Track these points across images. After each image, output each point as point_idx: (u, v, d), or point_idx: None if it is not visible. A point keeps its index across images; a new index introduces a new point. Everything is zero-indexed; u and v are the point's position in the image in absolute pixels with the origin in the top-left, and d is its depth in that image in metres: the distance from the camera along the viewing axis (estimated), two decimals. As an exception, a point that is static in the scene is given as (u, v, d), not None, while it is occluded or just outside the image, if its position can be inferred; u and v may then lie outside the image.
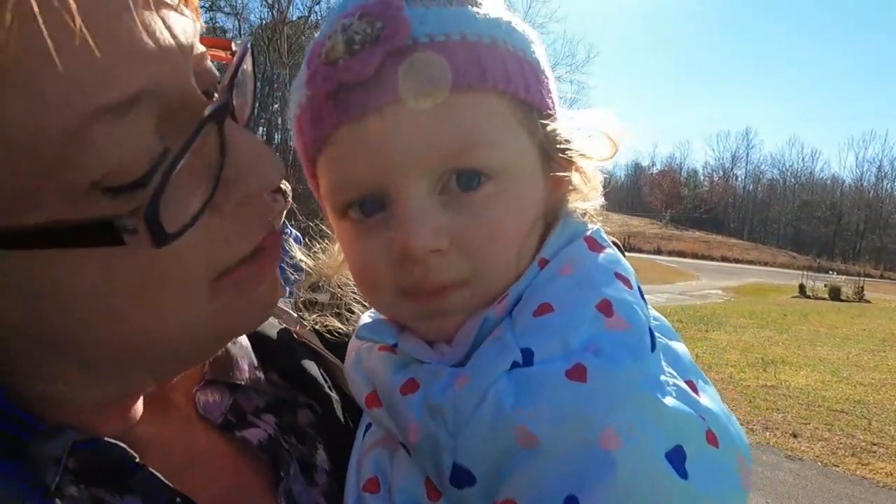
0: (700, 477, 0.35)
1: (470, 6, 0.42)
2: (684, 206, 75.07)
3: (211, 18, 31.84)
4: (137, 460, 0.37)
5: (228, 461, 0.46)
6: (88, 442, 0.36)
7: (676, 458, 0.34)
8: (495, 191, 0.41)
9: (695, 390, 0.40)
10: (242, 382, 0.49)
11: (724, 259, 48.00)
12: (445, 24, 0.40)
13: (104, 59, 0.28)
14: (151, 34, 0.30)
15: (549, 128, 0.45)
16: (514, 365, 0.38)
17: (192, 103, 0.33)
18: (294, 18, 30.33)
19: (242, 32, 32.95)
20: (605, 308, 0.40)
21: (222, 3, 29.99)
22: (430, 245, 0.40)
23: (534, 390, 0.36)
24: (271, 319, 0.58)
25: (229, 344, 0.48)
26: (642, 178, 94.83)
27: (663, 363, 0.40)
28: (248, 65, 0.40)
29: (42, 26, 0.25)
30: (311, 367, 0.56)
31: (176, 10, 0.32)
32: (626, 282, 0.43)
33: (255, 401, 0.50)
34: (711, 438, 0.37)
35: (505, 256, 0.42)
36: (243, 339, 0.52)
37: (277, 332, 0.57)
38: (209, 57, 0.38)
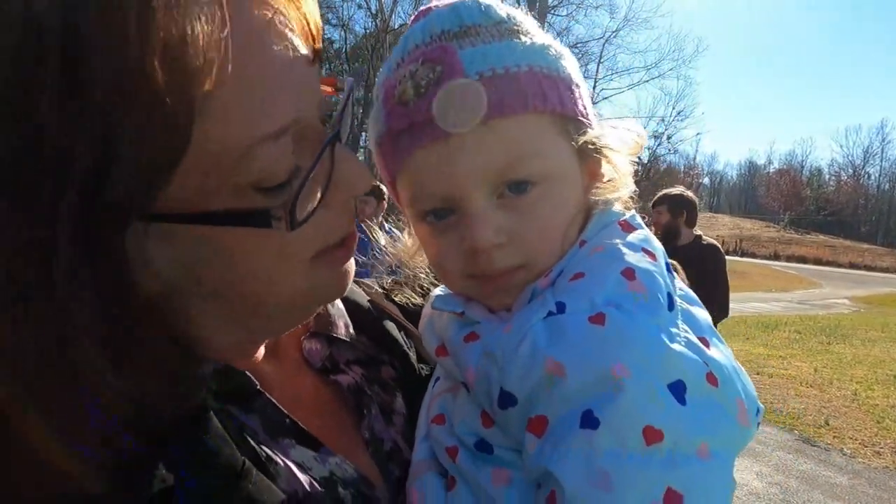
0: (697, 405, 0.44)
1: (511, 38, 0.52)
2: (805, 208, 69.19)
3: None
4: (258, 387, 0.50)
5: (325, 398, 0.58)
6: (223, 369, 0.48)
7: (677, 389, 0.44)
8: (541, 193, 0.52)
9: (706, 345, 0.49)
10: (341, 336, 0.62)
11: (852, 266, 43.63)
12: (491, 60, 0.50)
13: (269, 96, 0.40)
14: (298, 74, 0.42)
15: (582, 131, 0.54)
16: (549, 314, 0.48)
17: (317, 130, 0.46)
18: (396, 27, 31.26)
19: (348, 42, 34.42)
20: (629, 274, 0.48)
21: (330, 16, 31.37)
22: (492, 241, 0.51)
23: (562, 331, 0.46)
24: (361, 291, 0.72)
25: (329, 306, 0.61)
26: (757, 177, 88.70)
27: (679, 321, 0.49)
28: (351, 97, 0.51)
29: (230, 71, 0.36)
30: (392, 329, 0.69)
31: (313, 51, 0.44)
32: (652, 255, 0.52)
33: (346, 354, 0.63)
34: (711, 379, 0.45)
35: (551, 244, 0.53)
36: (339, 304, 0.64)
37: (368, 301, 0.70)
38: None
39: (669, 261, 0.57)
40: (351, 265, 0.52)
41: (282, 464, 0.48)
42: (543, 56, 0.53)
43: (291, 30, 0.42)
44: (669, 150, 36.97)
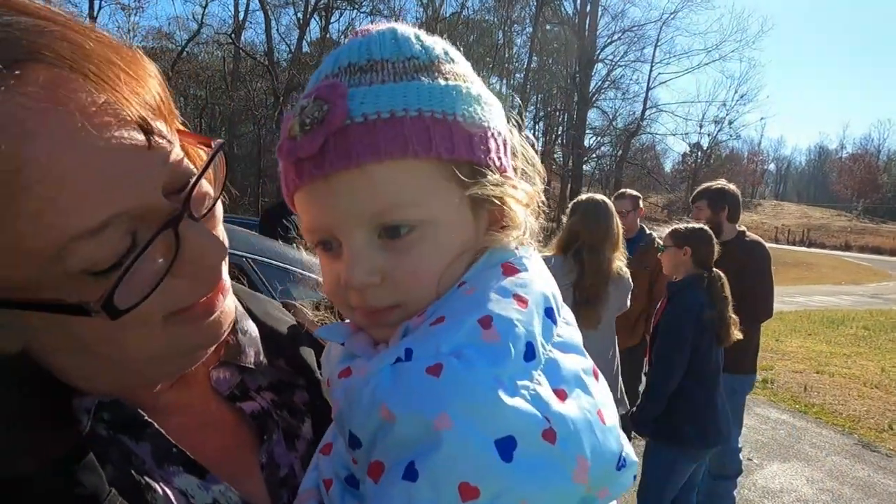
0: (525, 463, 0.42)
1: (414, 78, 0.51)
2: (882, 195, 65.04)
3: (371, 21, 33.76)
4: (146, 418, 0.53)
5: (229, 425, 0.61)
6: (111, 402, 0.52)
7: (506, 444, 0.42)
8: (418, 238, 0.51)
9: (563, 397, 0.47)
10: (249, 365, 0.63)
11: (933, 257, 40.80)
12: (380, 103, 0.50)
13: (83, 194, 0.41)
14: (124, 165, 0.43)
15: (482, 182, 0.53)
16: (398, 360, 0.47)
17: (158, 210, 0.47)
18: (447, 15, 31.17)
19: (399, 33, 34.51)
20: (485, 322, 0.47)
21: (381, 7, 31.62)
22: (364, 281, 0.51)
23: (400, 379, 0.46)
24: (286, 317, 0.74)
25: (240, 335, 0.64)
26: (829, 163, 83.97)
27: (536, 372, 0.47)
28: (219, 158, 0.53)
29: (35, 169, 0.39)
30: (308, 355, 0.70)
31: (151, 133, 0.45)
32: (523, 302, 0.50)
33: (259, 381, 0.65)
34: (548, 436, 0.44)
35: (426, 286, 0.53)
36: (253, 332, 0.66)
37: (287, 327, 0.71)
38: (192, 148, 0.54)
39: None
40: (220, 314, 0.53)
41: (160, 491, 0.50)
42: (443, 99, 0.51)
43: (122, 120, 0.43)
44: (731, 135, 35.47)
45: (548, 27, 32.47)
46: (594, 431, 0.47)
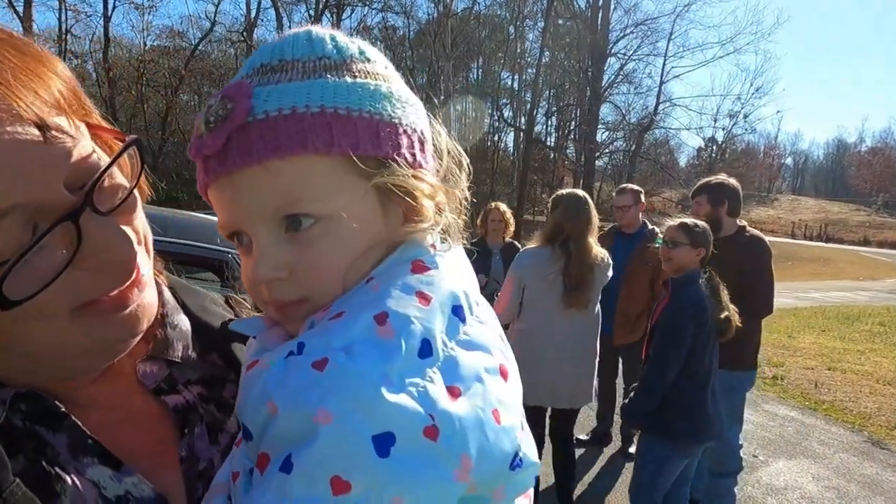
0: (403, 459, 0.43)
1: (321, 76, 0.52)
2: (902, 189, 63.88)
3: (383, 18, 33.78)
4: (62, 410, 0.54)
5: (153, 419, 0.61)
6: (28, 393, 0.52)
7: (384, 440, 0.43)
8: (321, 232, 0.52)
9: (454, 395, 0.47)
10: (175, 359, 0.64)
11: (955, 252, 40.00)
12: (284, 100, 0.51)
13: None
14: (17, 160, 0.44)
15: (386, 172, 0.53)
16: (290, 354, 0.48)
17: (58, 204, 0.47)
18: (459, 11, 31.07)
19: (411, 30, 34.56)
20: (381, 318, 0.47)
21: (393, 3, 31.59)
22: (270, 276, 0.53)
23: (288, 373, 0.46)
24: (223, 311, 0.75)
25: (169, 329, 0.65)
26: (847, 157, 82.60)
27: (430, 369, 0.47)
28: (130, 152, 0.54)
29: None
30: (241, 350, 0.69)
31: (47, 129, 0.46)
32: (425, 299, 0.50)
33: (188, 375, 0.66)
34: (430, 433, 0.44)
35: (331, 281, 0.53)
36: (184, 326, 0.67)
37: (221, 322, 0.71)
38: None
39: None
40: (136, 308, 0.54)
41: (70, 482, 0.50)
42: (349, 96, 0.52)
43: (15, 116, 0.44)
44: (746, 129, 35.01)
45: (560, 21, 32.25)
46: (485, 431, 0.47)
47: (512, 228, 4.70)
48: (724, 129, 32.24)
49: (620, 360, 4.29)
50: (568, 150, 34.57)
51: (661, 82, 28.82)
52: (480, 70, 39.05)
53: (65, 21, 22.05)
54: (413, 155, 0.56)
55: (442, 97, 30.74)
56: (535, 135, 35.59)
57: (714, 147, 36.84)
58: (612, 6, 27.45)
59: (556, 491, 3.31)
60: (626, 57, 28.43)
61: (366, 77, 0.54)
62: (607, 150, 30.59)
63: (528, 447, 0.52)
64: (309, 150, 0.50)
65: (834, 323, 11.34)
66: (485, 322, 0.55)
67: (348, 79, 0.53)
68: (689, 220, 2.51)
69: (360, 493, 0.42)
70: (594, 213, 2.94)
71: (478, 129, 36.82)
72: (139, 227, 0.56)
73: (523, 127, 29.45)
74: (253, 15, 27.08)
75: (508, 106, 38.60)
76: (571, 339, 2.83)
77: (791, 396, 6.15)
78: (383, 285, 0.51)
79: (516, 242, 4.75)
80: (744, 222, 3.15)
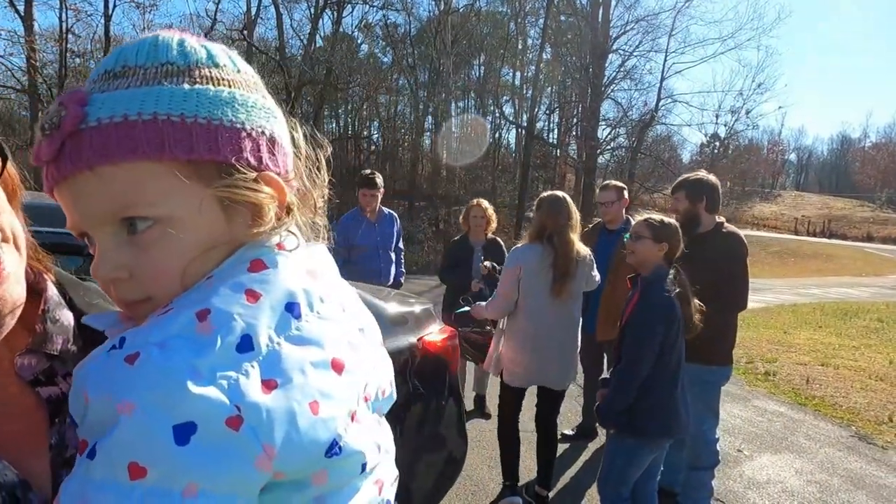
0: (201, 447, 0.45)
1: (159, 83, 0.54)
2: (907, 185, 63.49)
3: (384, 16, 33.74)
4: None
5: (28, 409, 0.64)
6: None
7: (184, 430, 0.45)
8: (157, 234, 0.54)
9: (269, 388, 0.49)
10: (54, 353, 0.66)
11: (959, 248, 39.75)
12: (118, 107, 0.52)
13: None
14: None
15: (223, 176, 0.55)
16: (113, 347, 0.50)
17: None
18: (460, 8, 31.02)
19: (412, 27, 34.51)
20: (202, 314, 0.50)
21: (394, 0, 31.54)
22: (110, 277, 0.55)
23: (104, 366, 0.49)
24: (111, 306, 0.75)
25: (49, 324, 0.67)
26: (851, 153, 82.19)
27: (247, 364, 0.49)
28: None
29: None
30: None
31: None
32: (254, 296, 0.53)
33: (69, 367, 0.67)
34: (233, 423, 0.46)
35: (169, 281, 0.55)
36: (66, 320, 0.69)
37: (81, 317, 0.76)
38: None
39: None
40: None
41: None
42: (184, 103, 0.54)
43: None
44: (748, 125, 34.85)
45: (561, 18, 32.15)
46: (296, 421, 0.49)
47: (494, 225, 4.73)
48: (725, 126, 32.11)
49: (605, 356, 4.31)
50: (570, 148, 34.51)
51: (662, 78, 28.71)
52: (482, 67, 39.00)
53: (65, 20, 22.07)
54: (259, 158, 0.58)
55: (443, 95, 30.73)
56: (537, 132, 35.52)
57: (717, 143, 36.70)
58: (613, 2, 27.34)
59: (538, 474, 3.41)
60: (628, 53, 28.35)
61: (208, 83, 0.56)
62: (609, 147, 30.51)
63: (356, 436, 0.55)
64: (140, 157, 0.52)
65: (832, 319, 11.34)
66: (327, 318, 0.57)
67: (186, 85, 0.55)
68: (656, 216, 2.52)
69: (155, 479, 0.44)
70: (574, 211, 3.15)
71: (480, 126, 36.76)
72: (4, 224, 0.57)
73: (524, 124, 29.40)
74: (253, 13, 27.11)
75: (510, 103, 38.54)
76: (559, 325, 3.12)
77: (782, 392, 6.17)
78: (215, 284, 0.53)
79: (498, 239, 4.79)
80: (722, 219, 3.17)
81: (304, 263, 0.60)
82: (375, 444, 0.60)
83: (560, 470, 3.88)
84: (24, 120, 23.70)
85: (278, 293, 0.54)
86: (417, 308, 2.47)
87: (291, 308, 0.54)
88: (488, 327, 3.73)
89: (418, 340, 2.28)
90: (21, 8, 21.01)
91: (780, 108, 50.63)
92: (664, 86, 28.74)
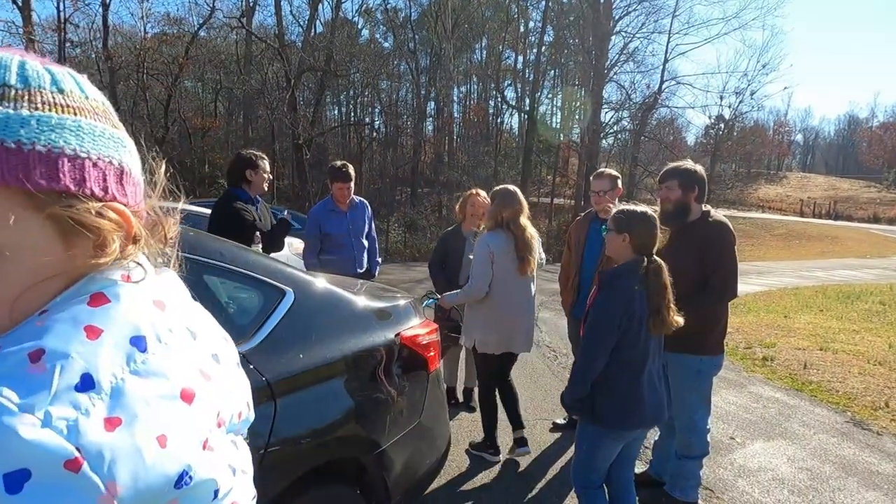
0: (37, 492, 0.44)
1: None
2: (915, 165, 62.84)
3: (383, 1, 33.44)
4: None
5: None
6: None
7: (17, 478, 0.44)
8: None
9: (113, 426, 0.48)
10: None
11: (967, 228, 39.40)
12: None
13: None
14: None
15: (62, 206, 0.53)
16: None
17: None
18: (459, -9, 30.67)
19: (413, 12, 34.22)
20: (35, 355, 0.48)
21: (393, -15, 31.26)
22: None
23: None
24: None
25: None
26: (859, 133, 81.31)
27: (88, 402, 0.48)
28: None
29: None
30: None
31: None
32: (94, 332, 0.52)
33: None
34: (73, 465, 0.45)
35: None
36: None
37: None
38: None
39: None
40: None
41: None
42: (20, 129, 0.52)
43: None
44: (753, 106, 34.50)
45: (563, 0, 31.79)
46: (142, 457, 0.49)
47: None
48: (730, 107, 31.79)
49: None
50: (575, 131, 34.28)
51: (665, 60, 28.43)
52: (484, 51, 38.66)
53: (63, 10, 21.96)
54: (105, 188, 0.56)
55: (443, 79, 30.50)
56: (540, 116, 35.29)
57: (722, 125, 36.37)
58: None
59: (511, 422, 3.86)
60: (631, 35, 28.04)
61: (51, 109, 0.54)
62: (612, 131, 30.28)
63: (208, 464, 0.54)
64: None
65: (833, 302, 11.28)
66: (175, 349, 0.56)
67: (25, 111, 0.52)
68: (626, 207, 2.47)
69: None
70: (524, 201, 3.64)
71: (481, 110, 36.51)
72: None
73: (526, 108, 29.17)
74: (252, 1, 26.89)
75: (512, 87, 38.23)
76: (523, 300, 3.63)
77: (779, 377, 6.15)
78: (50, 320, 0.52)
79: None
80: (708, 207, 3.14)
81: (151, 294, 0.59)
82: (230, 468, 0.59)
83: (552, 458, 3.90)
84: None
85: (121, 327, 0.53)
86: (396, 302, 2.46)
87: (137, 342, 0.53)
88: (455, 316, 4.04)
89: (396, 336, 2.27)
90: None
91: (785, 88, 50.29)
92: (667, 68, 28.47)
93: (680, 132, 40.62)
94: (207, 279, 1.83)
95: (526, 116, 29.21)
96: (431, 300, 4.21)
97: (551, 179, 34.34)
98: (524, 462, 3.82)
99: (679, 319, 2.39)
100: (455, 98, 37.86)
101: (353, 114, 37.28)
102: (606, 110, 28.39)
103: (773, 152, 67.49)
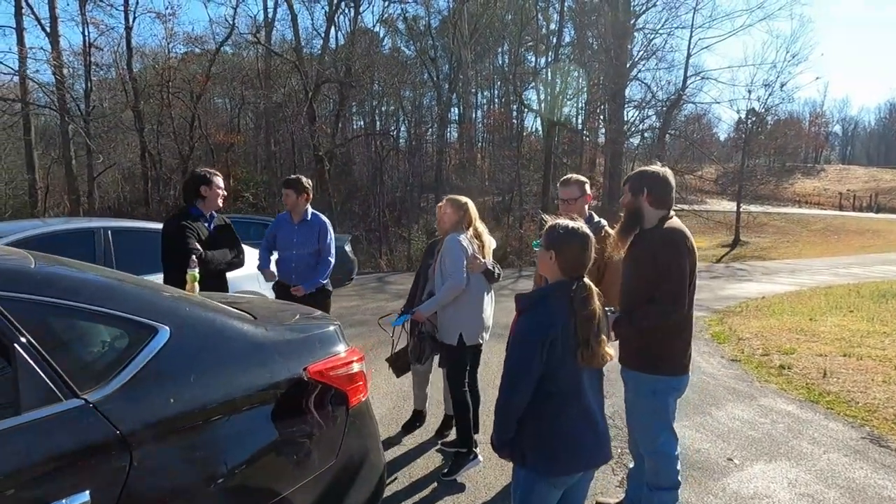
0: None
1: None
2: (964, 152, 59.80)
3: (403, 10, 33.49)
4: None
5: None
6: None
7: None
8: None
9: None
10: None
11: None
12: None
13: None
14: None
15: None
16: None
17: None
18: (478, -4, 30.50)
19: (431, 19, 34.19)
20: None
21: (411, -7, 31.25)
22: None
23: None
24: None
25: None
26: (902, 121, 77.95)
27: None
28: None
29: None
30: None
31: None
32: None
33: None
34: None
35: None
36: None
37: None
38: None
39: None
40: None
41: None
42: None
43: None
44: (784, 98, 33.32)
45: (583, -1, 31.28)
46: None
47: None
48: (759, 100, 30.69)
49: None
50: (601, 132, 33.68)
51: (689, 55, 27.68)
52: (505, 56, 38.36)
53: (87, 35, 22.59)
54: None
55: (462, 86, 30.35)
56: (564, 117, 34.80)
57: (754, 119, 35.21)
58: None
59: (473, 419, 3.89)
60: (653, 31, 27.39)
61: None
62: (637, 130, 29.60)
63: None
64: None
65: (866, 301, 10.66)
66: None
67: None
68: (558, 221, 2.22)
69: None
70: (471, 206, 3.97)
71: (503, 114, 36.23)
72: None
73: (548, 110, 28.78)
74: (270, 15, 27.24)
75: (534, 89, 37.83)
76: (487, 293, 3.98)
77: (794, 388, 5.75)
78: None
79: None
80: (671, 213, 2.87)
81: None
82: None
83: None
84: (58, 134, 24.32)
85: None
86: (310, 332, 2.27)
87: None
88: (424, 329, 4.04)
89: (304, 369, 2.08)
90: (46, 24, 21.62)
91: (817, 78, 48.71)
92: (691, 63, 27.71)
93: (709, 129, 39.57)
94: (53, 322, 1.67)
95: (547, 119, 28.76)
96: (404, 317, 4.05)
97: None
98: (487, 475, 3.59)
99: (610, 352, 2.14)
100: (476, 103, 37.65)
101: (377, 123, 37.39)
102: (629, 109, 27.78)
103: (809, 145, 65.24)
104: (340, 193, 25.77)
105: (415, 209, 29.35)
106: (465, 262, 3.74)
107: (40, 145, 24.98)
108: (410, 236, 25.10)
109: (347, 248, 10.49)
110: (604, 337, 2.11)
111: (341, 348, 2.31)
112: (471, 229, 3.93)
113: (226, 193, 4.11)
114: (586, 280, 2.14)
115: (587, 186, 3.77)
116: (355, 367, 2.29)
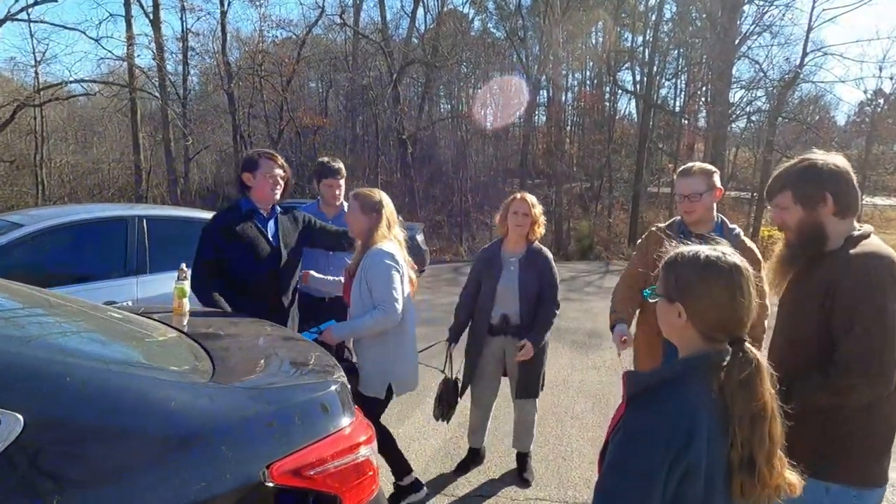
0: None
1: None
2: None
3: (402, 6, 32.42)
4: None
5: None
6: None
7: None
8: None
9: None
10: None
11: None
12: None
13: None
14: None
15: None
16: None
17: None
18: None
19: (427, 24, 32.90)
20: None
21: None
22: None
23: None
24: None
25: None
26: None
27: None
28: None
29: None
30: None
31: None
32: None
33: None
34: None
35: None
36: None
37: None
38: None
39: None
40: None
41: None
42: None
43: None
44: (925, 77, 29.20)
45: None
46: None
47: (541, 229, 3.56)
48: (892, 78, 27.10)
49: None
50: (700, 115, 31.21)
51: (809, 28, 24.71)
52: (600, 35, 36.37)
53: (185, 21, 23.35)
54: None
55: (552, 67, 28.95)
56: (661, 99, 32.50)
57: (881, 101, 31.29)
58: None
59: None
60: (767, 3, 24.69)
61: None
62: (744, 112, 27.03)
63: None
64: None
65: None
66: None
67: None
68: (688, 249, 1.32)
69: None
70: (389, 200, 3.08)
71: (596, 97, 34.45)
72: None
73: (643, 91, 26.84)
74: (358, -2, 27.02)
75: (629, 69, 35.67)
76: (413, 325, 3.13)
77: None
78: None
79: (544, 249, 3.61)
80: (862, 227, 1.88)
81: None
82: None
83: None
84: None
85: None
86: (295, 398, 1.53)
87: None
88: (346, 356, 3.02)
89: (264, 469, 1.33)
90: (150, 11, 22.51)
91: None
92: (811, 38, 24.77)
93: (827, 111, 35.75)
94: None
95: (642, 100, 26.83)
96: (310, 335, 2.93)
97: (672, 168, 31.57)
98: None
99: (793, 479, 1.22)
100: (567, 85, 35.98)
101: (462, 106, 36.68)
102: (736, 89, 25.34)
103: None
104: (423, 178, 25.27)
105: (498, 195, 28.45)
106: (401, 287, 2.89)
107: (146, 128, 26.22)
108: (492, 223, 24.26)
109: (420, 237, 9.84)
110: (781, 455, 1.19)
111: (343, 422, 1.54)
112: (392, 230, 3.02)
113: (282, 182, 3.14)
114: (748, 346, 1.22)
115: (716, 178, 2.74)
116: (362, 454, 1.52)
